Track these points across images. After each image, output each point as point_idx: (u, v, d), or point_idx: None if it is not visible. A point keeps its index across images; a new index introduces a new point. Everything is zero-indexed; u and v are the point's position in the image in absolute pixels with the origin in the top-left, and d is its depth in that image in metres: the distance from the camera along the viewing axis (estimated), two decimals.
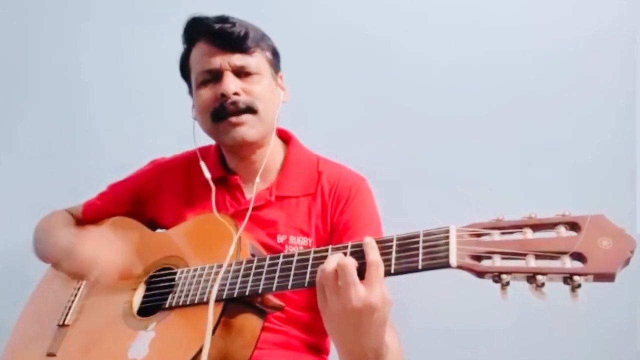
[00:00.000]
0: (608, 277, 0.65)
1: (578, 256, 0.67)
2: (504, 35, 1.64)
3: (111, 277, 1.04)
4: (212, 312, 0.86)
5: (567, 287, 0.67)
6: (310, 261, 0.85)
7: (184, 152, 1.32)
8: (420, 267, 0.76)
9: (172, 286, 0.99)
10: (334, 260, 0.78)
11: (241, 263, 0.92)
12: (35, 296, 1.22)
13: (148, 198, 1.27)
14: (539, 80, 1.62)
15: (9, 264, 1.62)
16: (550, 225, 0.71)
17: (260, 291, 0.87)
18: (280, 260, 0.89)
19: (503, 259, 0.71)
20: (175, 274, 1.01)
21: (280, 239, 1.12)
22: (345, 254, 0.81)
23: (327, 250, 0.85)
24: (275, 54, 1.23)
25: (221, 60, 1.12)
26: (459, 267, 0.73)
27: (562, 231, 0.70)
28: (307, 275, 0.84)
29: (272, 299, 0.93)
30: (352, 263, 0.77)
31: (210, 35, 1.13)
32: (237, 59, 1.13)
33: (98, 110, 1.77)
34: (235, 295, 0.89)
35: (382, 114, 1.67)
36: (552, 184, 1.57)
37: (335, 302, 0.77)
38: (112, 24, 1.79)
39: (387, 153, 1.64)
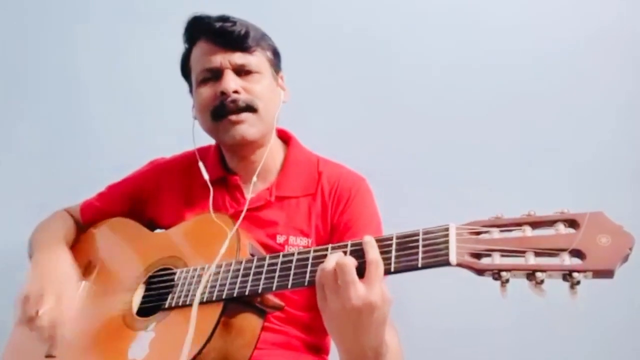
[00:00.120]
0: (607, 274, 0.66)
1: (577, 253, 0.68)
2: (504, 35, 1.64)
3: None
4: (194, 316, 0.87)
5: (567, 285, 0.67)
6: (310, 260, 0.85)
7: (184, 152, 1.32)
8: (420, 265, 0.76)
9: (172, 286, 0.99)
10: (334, 259, 0.78)
11: (241, 263, 0.92)
12: None
13: (147, 198, 1.27)
14: (539, 80, 1.62)
15: (9, 264, 1.61)
16: (549, 223, 0.72)
17: (260, 291, 0.87)
18: (280, 259, 0.88)
19: (502, 256, 0.71)
20: (174, 274, 1.01)
21: (280, 239, 1.12)
22: (345, 253, 0.81)
23: (326, 250, 0.85)
24: (275, 53, 1.23)
25: (222, 59, 1.12)
26: (459, 264, 0.73)
27: (561, 228, 0.70)
28: (307, 275, 0.84)
29: (272, 299, 0.93)
30: (351, 262, 0.77)
31: (211, 34, 1.13)
32: (238, 58, 1.13)
33: (98, 110, 1.77)
34: (235, 295, 0.88)
35: (382, 114, 1.67)
36: (552, 184, 1.57)
37: (334, 301, 0.77)
38: (112, 24, 1.79)
39: (387, 153, 1.64)
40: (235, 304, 0.90)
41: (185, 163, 1.28)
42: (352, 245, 0.82)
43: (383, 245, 0.80)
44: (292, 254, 0.88)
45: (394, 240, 0.80)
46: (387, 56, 1.68)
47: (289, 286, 0.85)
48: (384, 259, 0.78)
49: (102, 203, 1.30)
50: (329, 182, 1.18)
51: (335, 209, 1.15)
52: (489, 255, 0.72)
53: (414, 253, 0.77)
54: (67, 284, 1.05)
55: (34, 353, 1.05)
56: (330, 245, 0.85)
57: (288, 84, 1.26)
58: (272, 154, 1.20)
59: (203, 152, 1.26)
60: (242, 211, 1.10)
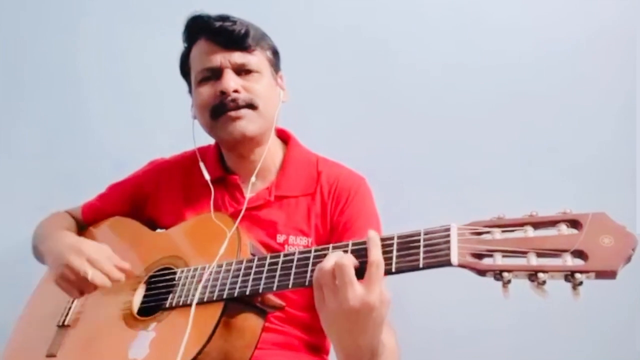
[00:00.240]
0: (610, 275, 0.65)
1: (579, 254, 0.67)
2: (504, 35, 1.64)
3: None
4: (192, 315, 0.87)
5: (569, 286, 0.67)
6: (311, 260, 0.85)
7: (183, 152, 1.32)
8: (421, 265, 0.75)
9: (172, 286, 0.99)
10: (332, 259, 0.77)
11: (241, 262, 0.92)
12: (35, 296, 1.21)
13: (147, 198, 1.27)
14: (539, 80, 1.61)
15: (9, 264, 1.61)
16: (552, 223, 0.71)
17: (260, 291, 0.87)
18: (281, 259, 0.88)
19: (504, 256, 0.71)
20: (175, 273, 1.01)
21: (280, 239, 1.12)
22: (346, 252, 0.81)
23: (327, 249, 0.84)
24: (275, 53, 1.23)
25: (221, 58, 1.12)
26: (460, 265, 0.72)
27: (563, 229, 0.70)
28: (308, 275, 0.84)
29: (273, 299, 0.93)
30: (349, 262, 0.76)
31: (211, 33, 1.13)
32: (238, 57, 1.13)
33: (98, 110, 1.77)
34: (235, 294, 0.88)
35: (382, 114, 1.67)
36: (552, 184, 1.56)
37: (332, 301, 0.76)
38: (112, 24, 1.79)
39: (387, 153, 1.64)
40: (235, 304, 0.90)
41: (185, 163, 1.28)
42: (354, 244, 0.82)
43: (384, 245, 0.79)
44: (293, 254, 0.88)
45: (395, 240, 0.79)
46: (387, 56, 1.68)
47: (290, 286, 0.85)
48: (385, 259, 0.77)
49: (102, 203, 1.30)
50: (329, 181, 1.18)
51: (334, 209, 1.15)
52: (490, 256, 0.72)
53: (415, 253, 0.77)
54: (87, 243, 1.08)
55: (35, 353, 1.05)
56: (331, 245, 0.85)
57: (288, 84, 1.26)
58: (271, 154, 1.20)
59: (202, 151, 1.26)
60: (241, 210, 1.10)
